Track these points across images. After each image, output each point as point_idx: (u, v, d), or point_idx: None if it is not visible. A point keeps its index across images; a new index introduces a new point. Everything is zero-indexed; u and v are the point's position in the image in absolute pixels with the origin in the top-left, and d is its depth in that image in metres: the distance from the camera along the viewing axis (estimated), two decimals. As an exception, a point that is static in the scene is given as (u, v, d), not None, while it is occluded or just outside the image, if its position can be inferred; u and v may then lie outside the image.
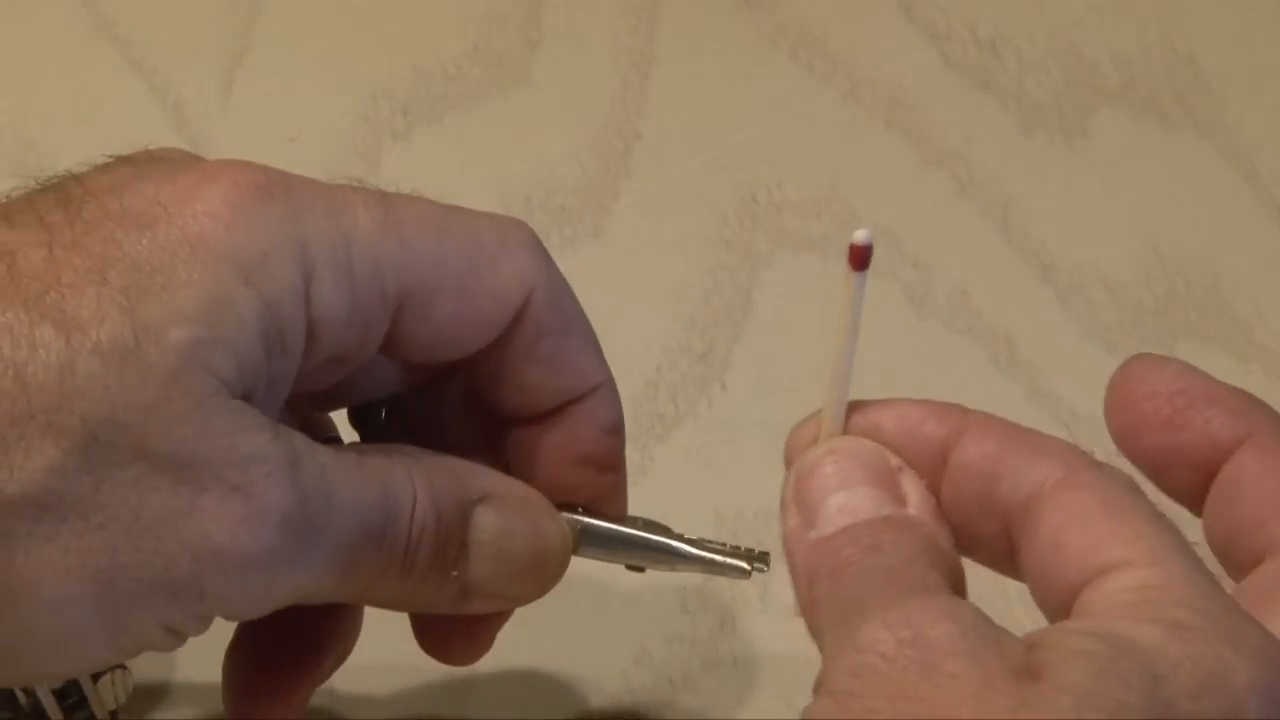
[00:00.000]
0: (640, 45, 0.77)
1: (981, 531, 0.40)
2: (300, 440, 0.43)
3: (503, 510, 0.47)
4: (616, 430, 0.49)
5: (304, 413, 0.48)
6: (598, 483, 0.49)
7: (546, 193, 0.72)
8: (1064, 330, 0.68)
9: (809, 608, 0.39)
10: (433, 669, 0.51)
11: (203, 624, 0.43)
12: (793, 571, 0.40)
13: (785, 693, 0.58)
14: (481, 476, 0.47)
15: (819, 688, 0.36)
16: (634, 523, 0.49)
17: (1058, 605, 0.37)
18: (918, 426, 0.41)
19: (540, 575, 0.48)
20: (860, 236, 0.39)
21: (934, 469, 0.41)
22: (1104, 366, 0.66)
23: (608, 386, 0.48)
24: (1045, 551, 0.38)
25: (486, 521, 0.46)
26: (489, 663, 0.52)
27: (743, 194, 0.72)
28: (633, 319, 0.67)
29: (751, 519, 0.61)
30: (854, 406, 0.42)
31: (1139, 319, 0.68)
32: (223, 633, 0.47)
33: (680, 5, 0.79)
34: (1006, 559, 0.40)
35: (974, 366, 0.67)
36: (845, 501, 0.39)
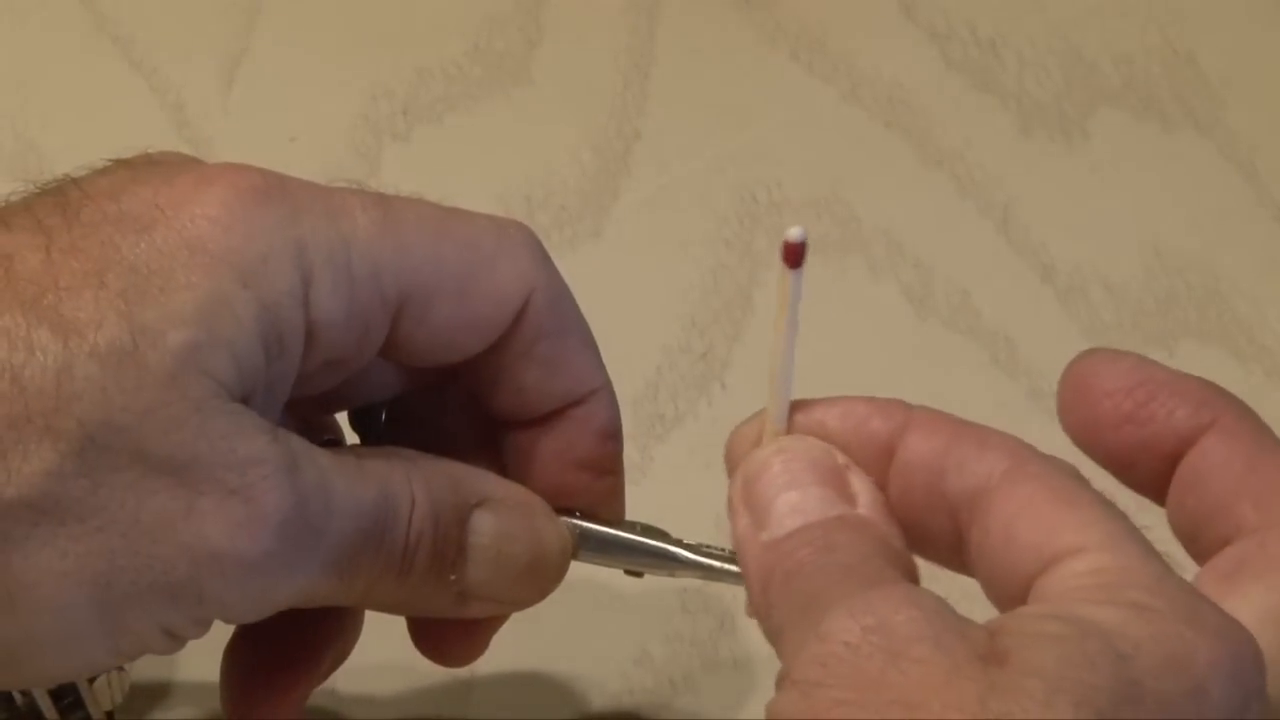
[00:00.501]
0: (640, 45, 0.77)
1: (930, 526, 0.40)
2: (298, 443, 0.43)
3: (501, 514, 0.47)
4: (614, 434, 0.49)
5: (305, 415, 0.48)
6: (595, 487, 0.49)
7: (546, 193, 0.72)
8: (1064, 330, 0.68)
9: (764, 610, 0.38)
10: (433, 669, 0.51)
11: (202, 627, 0.43)
12: (746, 574, 0.40)
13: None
14: (480, 480, 0.47)
15: (782, 681, 0.35)
16: (632, 528, 0.49)
17: (1012, 596, 0.37)
18: (863, 424, 0.41)
19: (539, 579, 0.48)
20: (794, 234, 0.39)
21: (880, 466, 0.41)
22: (1104, 366, 0.67)
23: (605, 390, 0.48)
24: (997, 542, 0.38)
25: (485, 525, 0.46)
26: (489, 663, 0.52)
27: (743, 194, 0.72)
28: (633, 319, 0.67)
29: (751, 520, 0.61)
30: (797, 405, 0.42)
31: (1139, 319, 0.68)
32: (220, 632, 0.47)
33: (680, 5, 0.79)
34: (955, 554, 0.40)
35: (974, 366, 0.67)
36: (795, 502, 0.39)
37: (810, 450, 0.41)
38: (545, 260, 0.47)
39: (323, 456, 0.43)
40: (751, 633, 0.59)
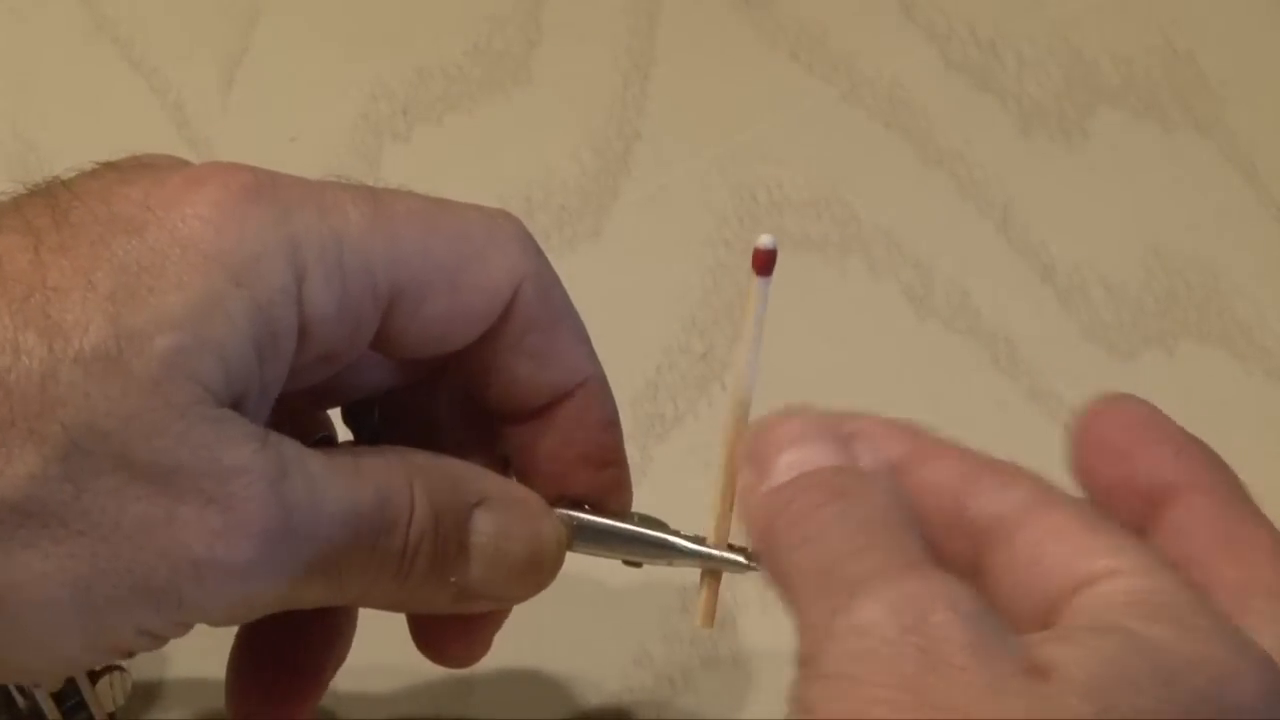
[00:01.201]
0: (640, 45, 0.77)
1: (945, 550, 0.39)
2: (290, 448, 0.43)
3: (500, 513, 0.47)
4: (612, 425, 0.49)
5: (296, 411, 0.48)
6: (600, 479, 0.49)
7: (546, 193, 0.72)
8: (1064, 330, 0.68)
9: (769, 556, 0.38)
10: (432, 669, 0.51)
11: (182, 629, 0.43)
12: (748, 525, 0.39)
13: (785, 692, 0.58)
14: (479, 478, 0.47)
15: (810, 667, 0.35)
16: (631, 519, 0.49)
17: (1034, 618, 0.37)
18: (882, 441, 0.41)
19: (536, 575, 0.48)
20: (765, 241, 0.39)
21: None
22: (1104, 366, 0.67)
23: (598, 381, 0.48)
24: (1024, 563, 0.38)
25: (485, 525, 0.46)
26: (489, 663, 0.52)
27: (743, 194, 0.72)
28: (633, 319, 0.67)
29: (751, 520, 0.61)
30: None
31: (1139, 319, 0.68)
32: (222, 633, 0.47)
33: (680, 5, 0.79)
34: (968, 580, 0.40)
35: (974, 366, 0.67)
36: (798, 456, 0.39)
37: (818, 416, 0.40)
38: (535, 250, 0.47)
39: (315, 461, 0.43)
40: (751, 631, 0.60)
